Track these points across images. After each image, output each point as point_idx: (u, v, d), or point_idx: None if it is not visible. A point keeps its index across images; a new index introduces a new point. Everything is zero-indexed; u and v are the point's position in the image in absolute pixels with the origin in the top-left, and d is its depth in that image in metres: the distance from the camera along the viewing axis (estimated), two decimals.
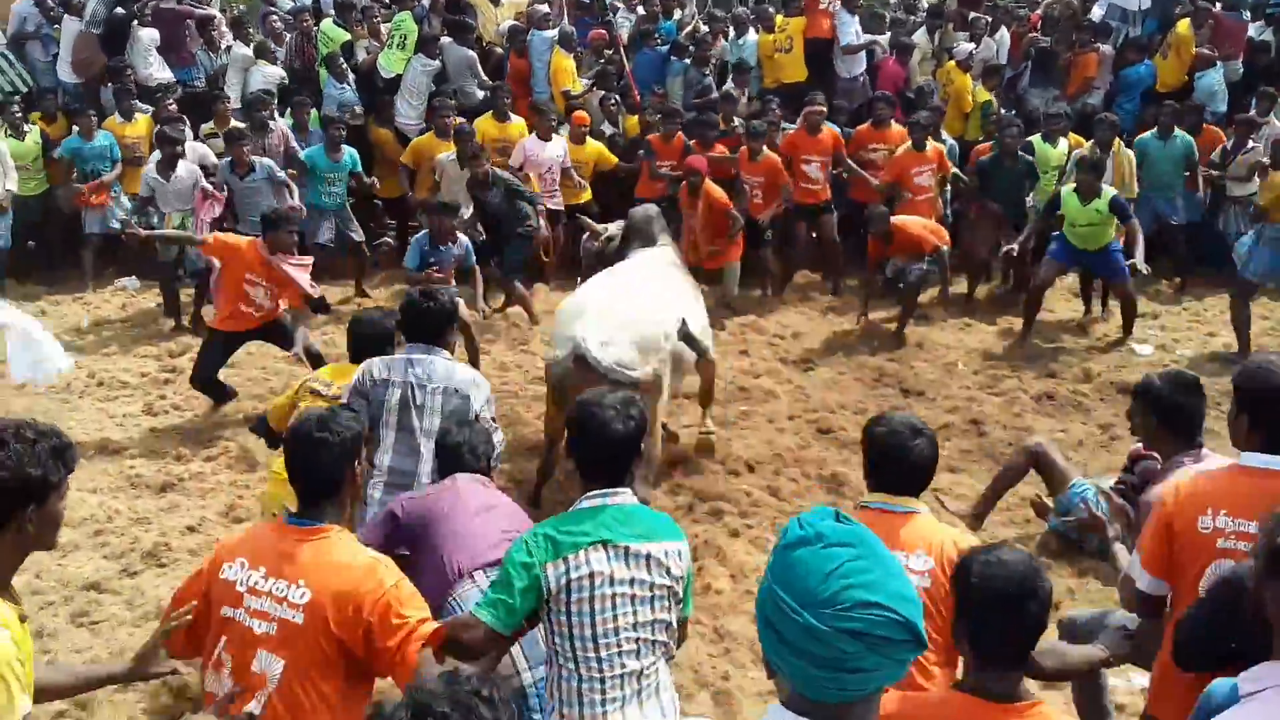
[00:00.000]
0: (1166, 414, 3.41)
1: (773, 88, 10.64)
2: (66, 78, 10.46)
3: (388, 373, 4.02)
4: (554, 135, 9.38)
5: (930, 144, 9.06)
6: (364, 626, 2.54)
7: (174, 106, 9.75)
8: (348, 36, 10.72)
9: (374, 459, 3.97)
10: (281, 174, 8.86)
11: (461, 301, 5.59)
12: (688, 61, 10.43)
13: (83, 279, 9.66)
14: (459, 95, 10.27)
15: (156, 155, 8.78)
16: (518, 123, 9.58)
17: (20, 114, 9.64)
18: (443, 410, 3.96)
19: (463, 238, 7.80)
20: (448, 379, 4.03)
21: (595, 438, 2.74)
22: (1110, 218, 7.84)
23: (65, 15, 10.38)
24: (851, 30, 10.48)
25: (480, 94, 10.48)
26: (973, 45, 10.64)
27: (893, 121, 9.51)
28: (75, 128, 9.62)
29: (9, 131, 9.52)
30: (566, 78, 10.29)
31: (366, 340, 4.47)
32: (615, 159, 9.84)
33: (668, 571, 2.69)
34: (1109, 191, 7.89)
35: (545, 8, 11.06)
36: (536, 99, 10.13)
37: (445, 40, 10.48)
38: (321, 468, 2.70)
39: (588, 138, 9.73)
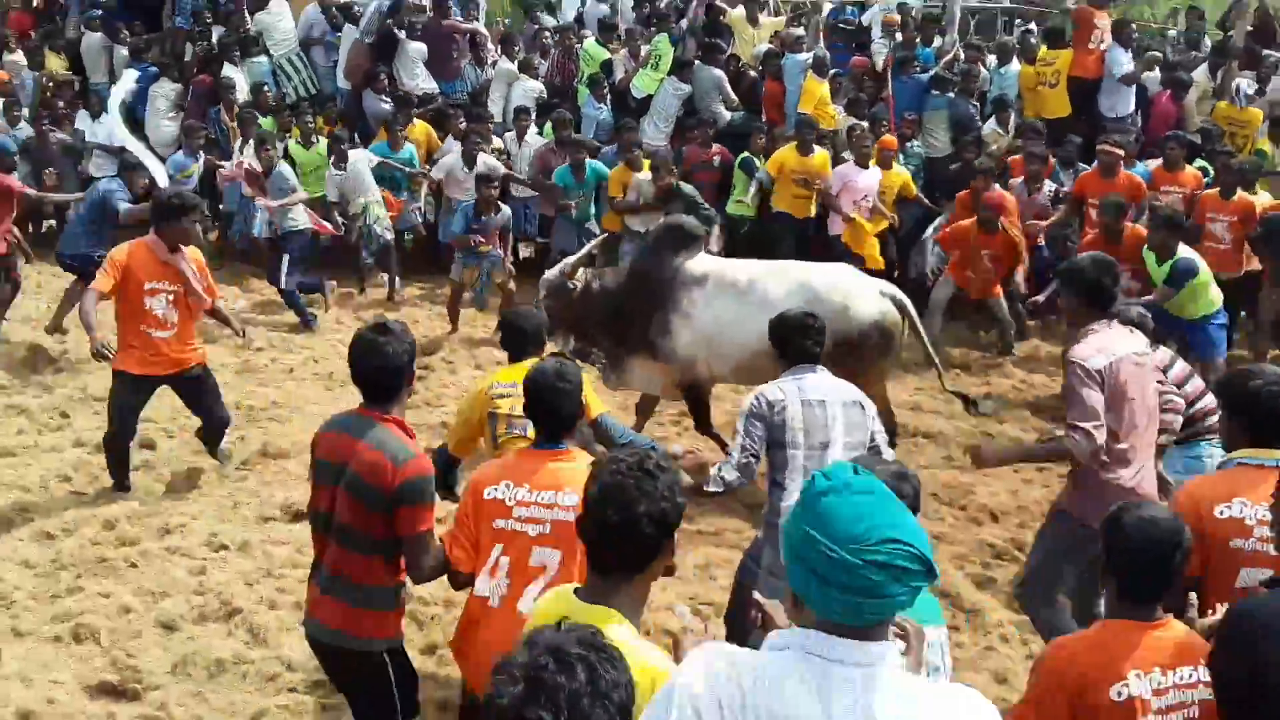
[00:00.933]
0: (1088, 290, 4.09)
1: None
2: (343, 84, 11.18)
3: (783, 395, 3.99)
4: (870, 163, 9.15)
5: (1239, 193, 8.10)
6: None
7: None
8: (608, 55, 10.97)
9: (782, 478, 3.98)
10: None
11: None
12: (951, 95, 10.03)
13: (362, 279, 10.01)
14: (707, 117, 10.33)
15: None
16: (820, 154, 9.22)
17: (310, 120, 10.19)
18: (846, 421, 3.98)
19: (504, 208, 8.59)
20: (842, 392, 4.06)
21: None
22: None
23: (345, 23, 11.09)
24: (1124, 63, 9.82)
25: (728, 115, 10.49)
26: (1257, 85, 9.77)
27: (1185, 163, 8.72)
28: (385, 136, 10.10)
29: (299, 138, 10.09)
30: (815, 102, 10.12)
31: (522, 334, 4.43)
32: (916, 189, 9.54)
33: None
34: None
35: (800, 31, 10.96)
36: (800, 118, 10.04)
37: (696, 63, 10.54)
38: (563, 408, 3.25)
39: (894, 164, 9.41)
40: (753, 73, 10.91)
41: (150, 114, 10.92)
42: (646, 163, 9.08)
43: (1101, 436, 3.83)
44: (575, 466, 3.13)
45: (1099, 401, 3.85)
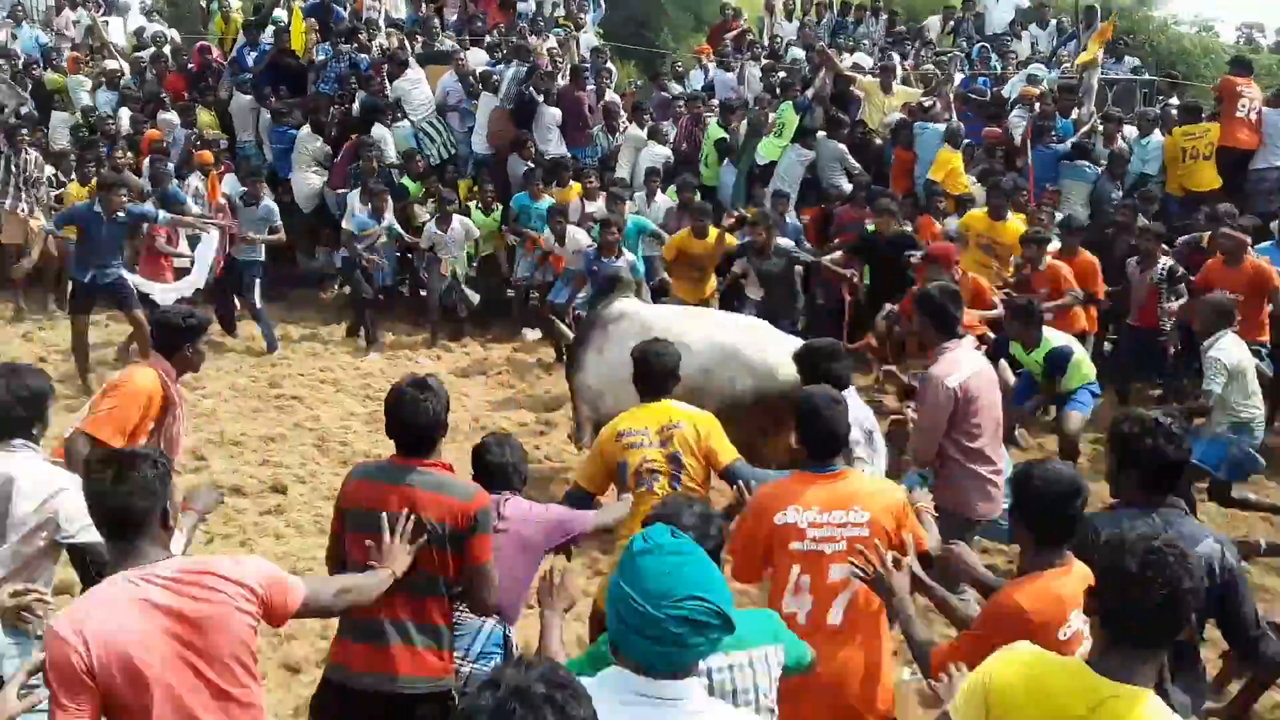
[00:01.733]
0: (937, 315, 4.59)
1: (1179, 196, 9.80)
2: (479, 148, 11.47)
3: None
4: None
5: None
6: (902, 523, 3.41)
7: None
8: (724, 135, 11.01)
9: None
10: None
11: None
12: (1099, 169, 9.75)
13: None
14: (828, 187, 10.40)
15: None
16: (1013, 223, 8.56)
17: (452, 189, 10.74)
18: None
19: (627, 254, 8.81)
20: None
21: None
22: None
23: (483, 91, 11.40)
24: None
25: (848, 186, 10.42)
26: None
27: None
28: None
29: (479, 204, 10.73)
30: (948, 173, 9.96)
31: (660, 375, 4.24)
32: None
33: None
34: None
35: (933, 101, 10.84)
36: (930, 186, 9.94)
37: (820, 134, 10.53)
38: (836, 429, 3.47)
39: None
40: (879, 140, 10.83)
41: (295, 167, 11.34)
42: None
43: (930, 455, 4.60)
44: (853, 484, 3.45)
45: (941, 424, 4.50)
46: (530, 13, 14.20)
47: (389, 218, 10.29)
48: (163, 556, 2.61)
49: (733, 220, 9.18)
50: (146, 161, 11.01)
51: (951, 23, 14.99)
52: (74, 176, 10.91)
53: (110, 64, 13.00)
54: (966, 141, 10.20)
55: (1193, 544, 2.84)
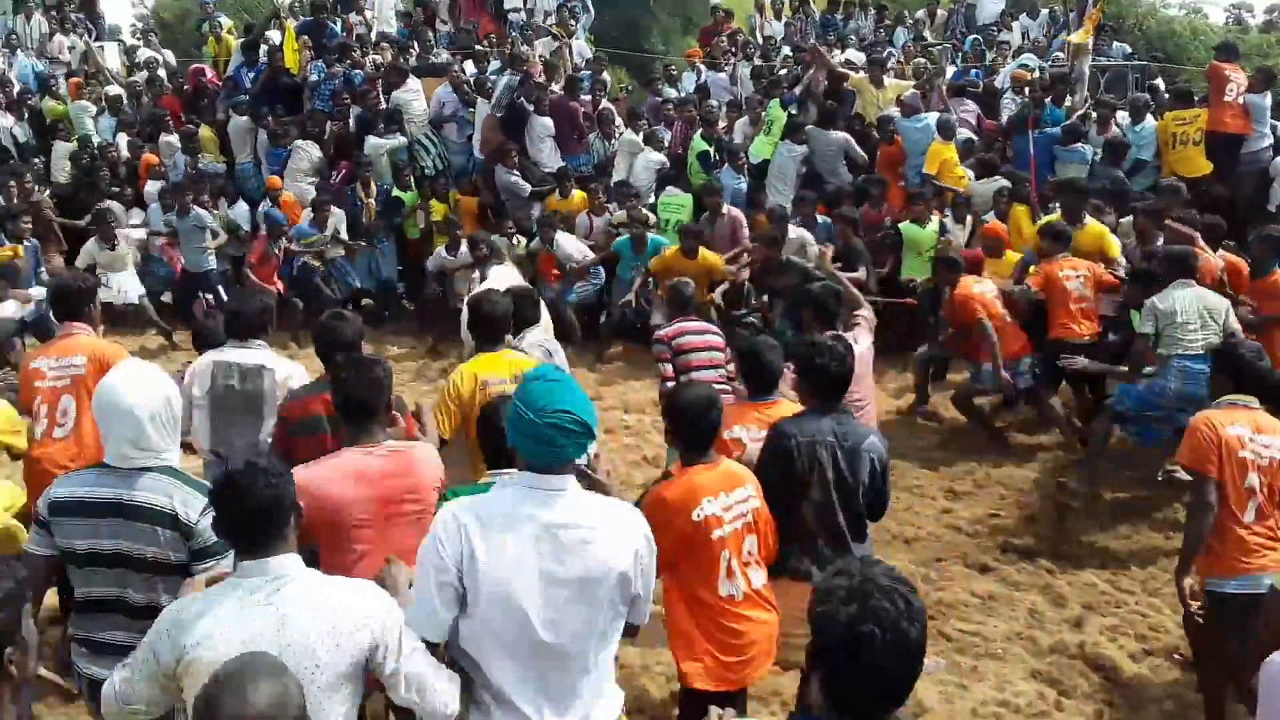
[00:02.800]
0: (819, 307, 5.32)
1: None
2: (480, 157, 11.53)
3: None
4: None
5: None
6: None
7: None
8: (706, 148, 10.99)
9: None
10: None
11: None
12: (1094, 153, 9.77)
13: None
14: (828, 180, 10.36)
15: None
16: (1092, 226, 7.94)
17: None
18: None
19: None
20: None
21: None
22: None
23: (479, 98, 11.47)
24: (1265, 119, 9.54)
25: (849, 177, 10.48)
26: None
27: None
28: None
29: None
30: (942, 165, 10.02)
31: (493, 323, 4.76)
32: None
33: None
34: None
35: (917, 92, 10.89)
36: (909, 185, 10.02)
37: (811, 128, 10.57)
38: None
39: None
40: (876, 135, 10.89)
41: (290, 178, 11.46)
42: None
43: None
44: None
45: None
46: (522, 22, 14.27)
47: (333, 225, 10.68)
48: (384, 438, 3.48)
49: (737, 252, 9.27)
50: (146, 186, 11.14)
51: (942, 13, 15.06)
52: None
53: (111, 89, 13.07)
54: (964, 136, 10.26)
55: (861, 439, 3.93)
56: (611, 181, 10.86)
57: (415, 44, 13.32)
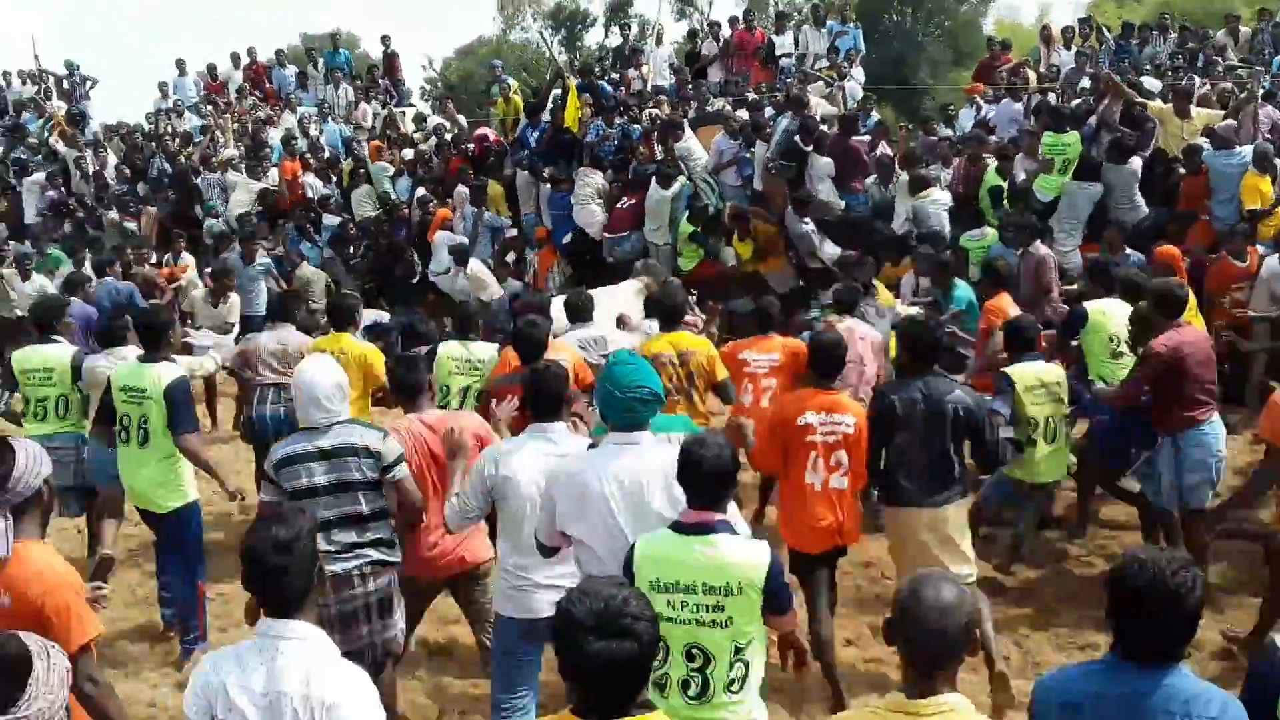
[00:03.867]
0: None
1: None
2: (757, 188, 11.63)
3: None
4: None
5: None
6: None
7: None
8: (1000, 183, 10.49)
9: None
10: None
11: None
12: None
13: None
14: (1123, 218, 9.73)
15: None
16: None
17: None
18: None
19: None
20: None
21: None
22: None
23: (757, 140, 11.55)
24: None
25: (1145, 210, 9.76)
26: None
27: None
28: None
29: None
30: (1260, 200, 9.15)
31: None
32: None
33: None
34: None
35: (1234, 123, 10.00)
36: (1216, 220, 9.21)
37: (1105, 164, 9.93)
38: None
39: None
40: (1183, 169, 10.07)
41: (578, 201, 12.01)
42: None
43: None
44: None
45: None
46: (793, 66, 14.28)
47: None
48: (430, 407, 5.08)
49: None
50: (436, 236, 11.96)
51: (1246, 31, 13.79)
52: None
53: (407, 152, 14.10)
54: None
55: (945, 393, 4.86)
56: (894, 225, 10.57)
57: (690, 95, 13.59)
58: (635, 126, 12.64)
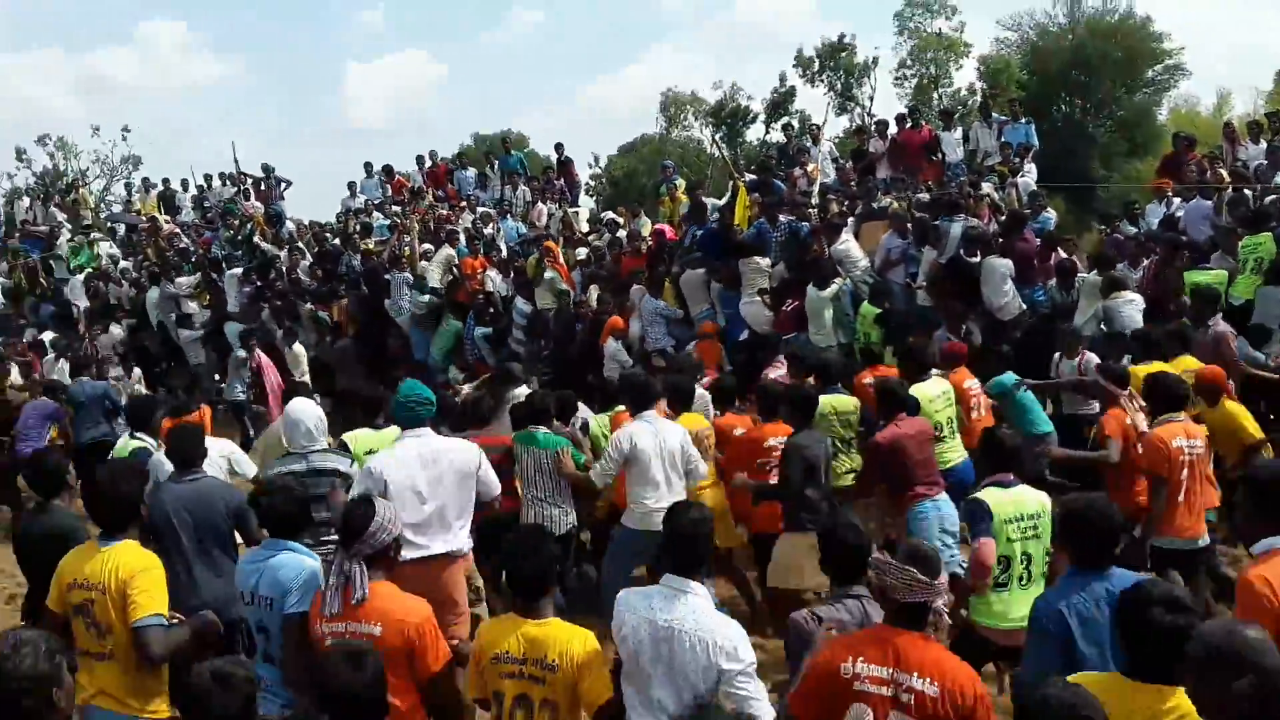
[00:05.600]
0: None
1: None
2: (923, 301, 11.49)
3: None
4: None
5: None
6: None
7: None
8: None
9: None
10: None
11: None
12: None
13: None
14: None
15: None
16: None
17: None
18: None
19: None
20: None
21: None
22: None
23: (926, 245, 11.49)
24: None
25: None
26: None
27: None
28: None
29: None
30: None
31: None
32: None
33: None
34: None
35: None
36: None
37: None
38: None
39: None
40: None
41: (746, 287, 12.14)
42: None
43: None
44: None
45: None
46: (961, 162, 14.20)
47: None
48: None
49: None
50: (608, 344, 12.24)
51: None
52: None
53: (579, 251, 14.56)
54: None
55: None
56: (1076, 325, 10.27)
57: (857, 192, 13.65)
58: (803, 224, 12.73)
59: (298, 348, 14.01)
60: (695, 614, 3.71)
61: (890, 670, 3.36)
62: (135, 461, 5.93)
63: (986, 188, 12.61)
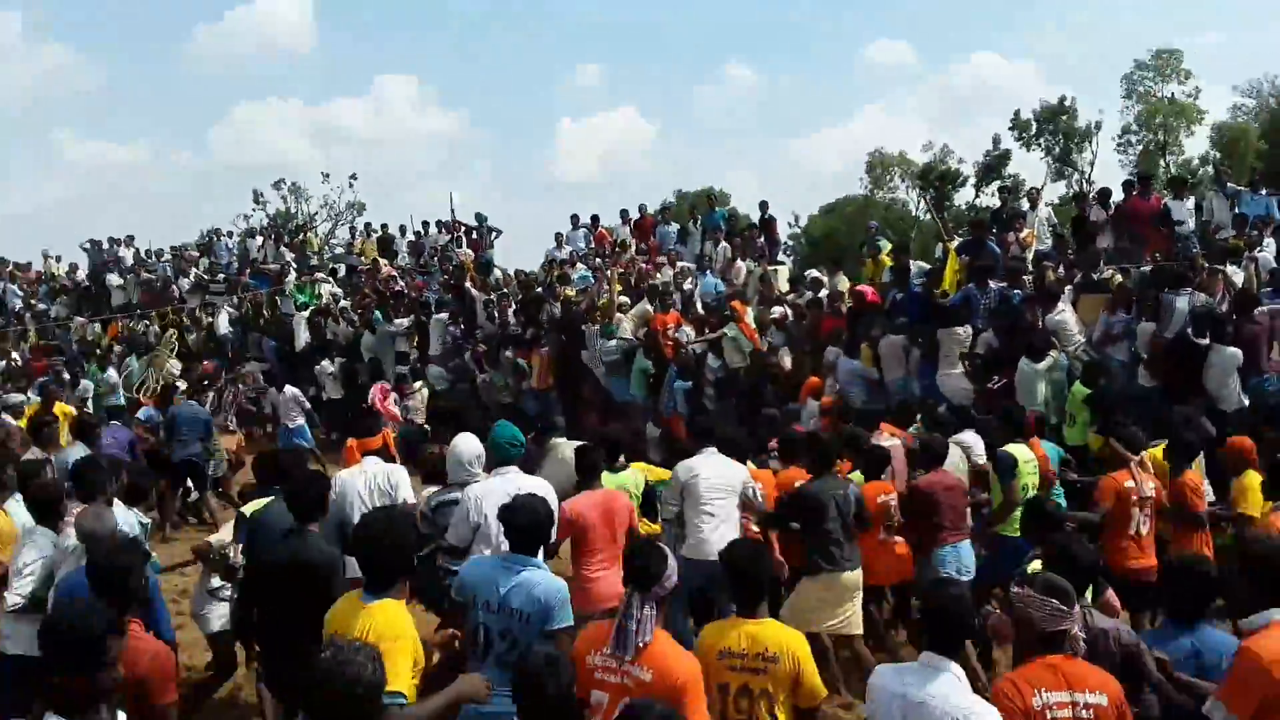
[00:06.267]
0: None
1: None
2: (1144, 381, 10.73)
3: None
4: None
5: None
6: None
7: None
8: None
9: None
10: None
11: None
12: None
13: None
14: None
15: None
16: None
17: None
18: None
19: None
20: None
21: None
22: None
23: (1143, 320, 10.78)
24: None
25: None
26: None
27: None
28: None
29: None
30: None
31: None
32: None
33: None
34: None
35: None
36: None
37: None
38: None
39: None
40: None
41: (942, 366, 11.73)
42: None
43: None
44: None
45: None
46: (1194, 234, 13.28)
47: None
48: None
49: None
50: (808, 401, 11.93)
51: None
52: None
53: (775, 310, 14.36)
54: None
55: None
56: None
57: (1075, 261, 12.94)
58: (1016, 291, 12.12)
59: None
60: (951, 692, 3.75)
61: (1068, 693, 3.74)
62: (409, 512, 6.24)
63: (1232, 268, 11.59)
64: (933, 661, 3.81)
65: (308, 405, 15.46)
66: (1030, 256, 13.51)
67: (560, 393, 15.60)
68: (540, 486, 5.84)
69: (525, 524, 4.64)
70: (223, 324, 20.91)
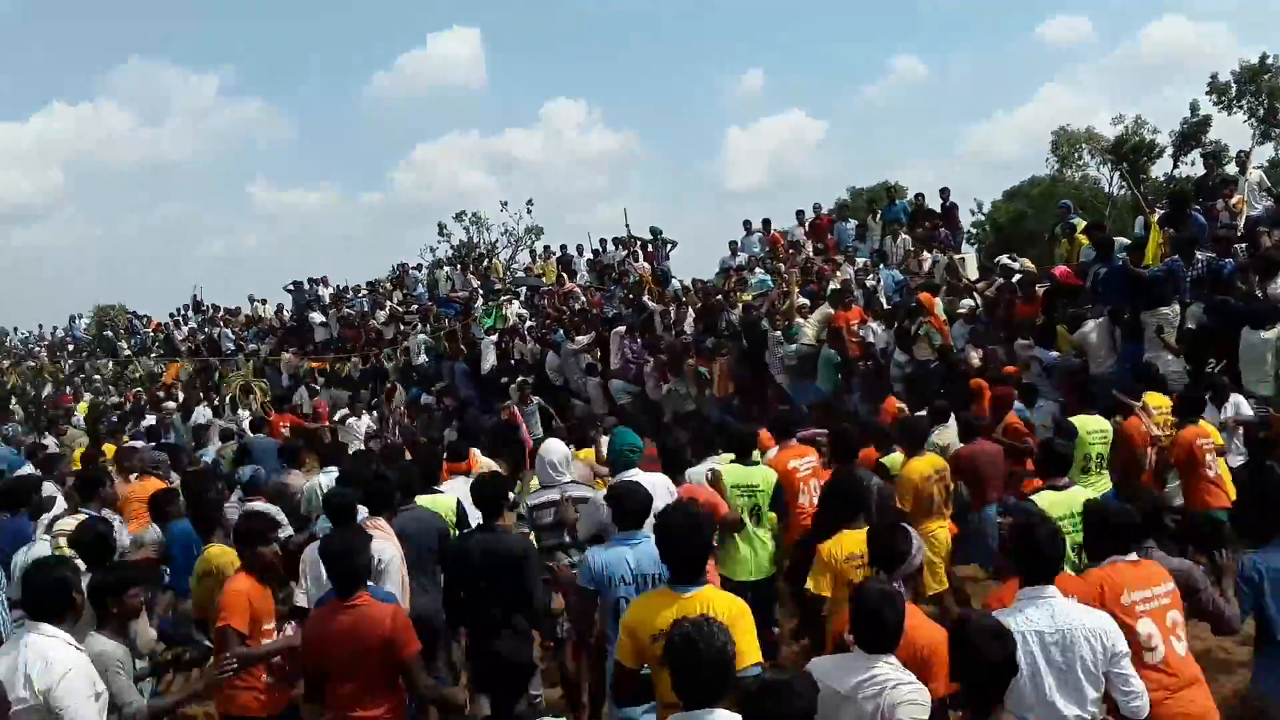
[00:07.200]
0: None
1: None
2: None
3: None
4: None
5: None
6: None
7: None
8: None
9: None
10: None
11: None
12: None
13: None
14: None
15: None
16: None
17: None
18: None
19: None
20: None
21: None
22: None
23: None
24: None
25: None
26: None
27: None
28: None
29: None
30: None
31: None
32: None
33: None
34: None
35: None
36: None
37: None
38: None
39: None
40: None
41: (1148, 349, 11.12)
42: None
43: None
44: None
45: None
46: None
47: None
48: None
49: None
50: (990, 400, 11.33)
51: None
52: None
53: (965, 303, 13.80)
54: None
55: None
56: None
57: None
58: (1226, 261, 11.23)
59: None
60: (1078, 613, 4.22)
61: (1150, 590, 4.53)
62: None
63: None
64: (1035, 593, 4.27)
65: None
66: (1242, 223, 12.52)
67: (742, 399, 15.45)
68: (661, 483, 6.33)
69: (634, 506, 5.26)
70: (417, 352, 21.78)
